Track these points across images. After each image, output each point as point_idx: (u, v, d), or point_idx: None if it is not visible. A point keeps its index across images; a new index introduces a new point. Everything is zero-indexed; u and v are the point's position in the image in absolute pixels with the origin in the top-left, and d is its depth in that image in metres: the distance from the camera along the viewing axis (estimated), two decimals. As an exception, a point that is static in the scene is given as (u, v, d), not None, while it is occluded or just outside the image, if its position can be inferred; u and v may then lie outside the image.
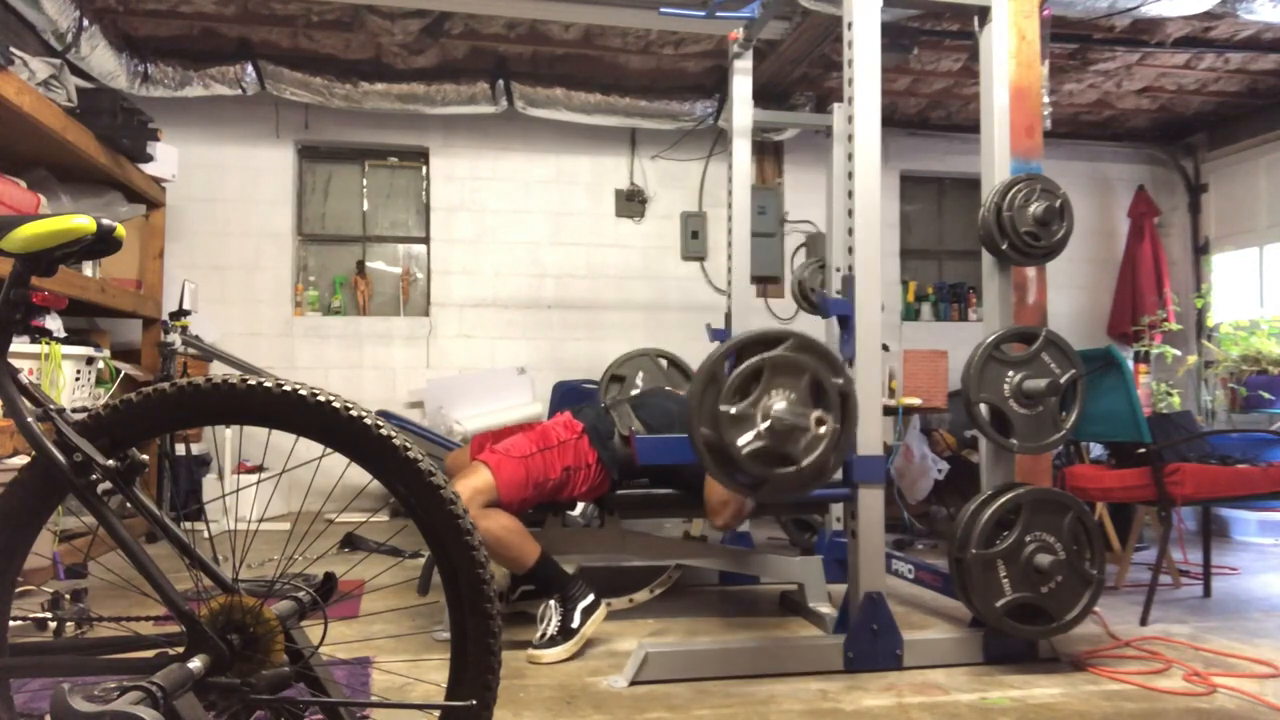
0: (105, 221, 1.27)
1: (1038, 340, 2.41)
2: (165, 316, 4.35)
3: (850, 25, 2.42)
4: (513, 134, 5.55)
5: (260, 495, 4.32)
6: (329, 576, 1.32)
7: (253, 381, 1.24)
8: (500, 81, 5.00)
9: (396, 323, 5.47)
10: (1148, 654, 2.50)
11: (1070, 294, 6.20)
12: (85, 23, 4.04)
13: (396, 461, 1.25)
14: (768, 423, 1.97)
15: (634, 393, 3.52)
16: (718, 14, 3.48)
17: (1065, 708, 2.08)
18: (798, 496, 2.14)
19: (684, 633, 2.74)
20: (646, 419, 2.75)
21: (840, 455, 2.05)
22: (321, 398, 1.24)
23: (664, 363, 3.70)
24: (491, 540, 2.41)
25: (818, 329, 4.23)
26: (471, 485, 2.47)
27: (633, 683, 2.22)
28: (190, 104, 5.00)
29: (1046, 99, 3.03)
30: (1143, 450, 2.96)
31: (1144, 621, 2.86)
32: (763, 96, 4.82)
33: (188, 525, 4.15)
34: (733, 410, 1.96)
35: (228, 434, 4.62)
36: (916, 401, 4.15)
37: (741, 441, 1.96)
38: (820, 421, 2.00)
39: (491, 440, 2.70)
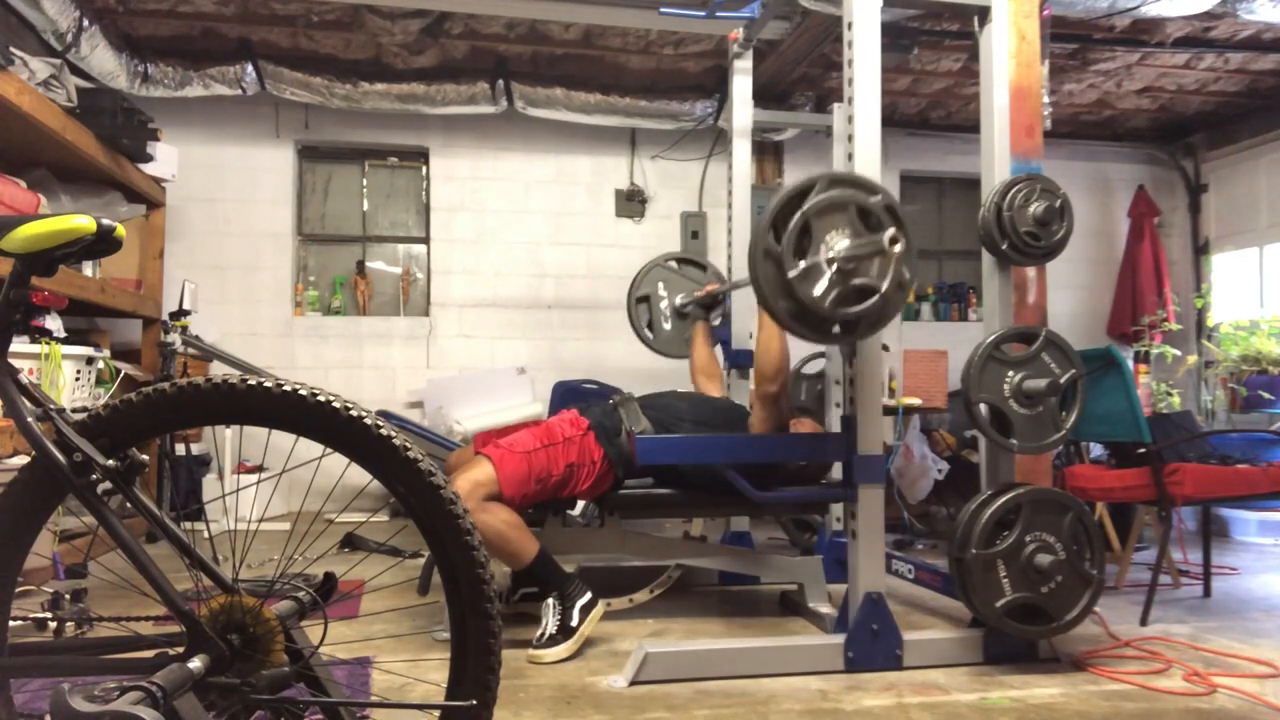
0: (105, 221, 1.27)
1: (1038, 340, 2.41)
2: (165, 316, 4.35)
3: (850, 25, 2.42)
4: (513, 134, 5.55)
5: (260, 495, 4.32)
6: (329, 576, 1.32)
7: (253, 381, 1.24)
8: (500, 81, 5.00)
9: (396, 323, 5.47)
10: (1148, 654, 2.50)
11: (1070, 294, 6.20)
12: (85, 23, 4.04)
13: (396, 461, 1.24)
14: (834, 266, 1.98)
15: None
16: (718, 14, 3.48)
17: (1065, 708, 2.08)
18: (888, 322, 2.17)
19: (684, 633, 2.74)
20: (656, 417, 2.75)
21: (912, 266, 2.06)
22: (321, 398, 1.24)
23: (675, 265, 3.73)
24: (490, 535, 2.40)
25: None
26: (472, 478, 2.47)
27: (633, 683, 2.22)
28: (190, 104, 5.00)
29: (1046, 99, 3.03)
30: (1143, 450, 2.95)
31: (1144, 621, 2.86)
32: (763, 96, 4.82)
33: (188, 525, 4.15)
34: (800, 268, 1.97)
35: (228, 434, 4.62)
36: (916, 401, 4.14)
37: (818, 292, 1.97)
38: (894, 240, 2.00)
39: (496, 437, 2.70)
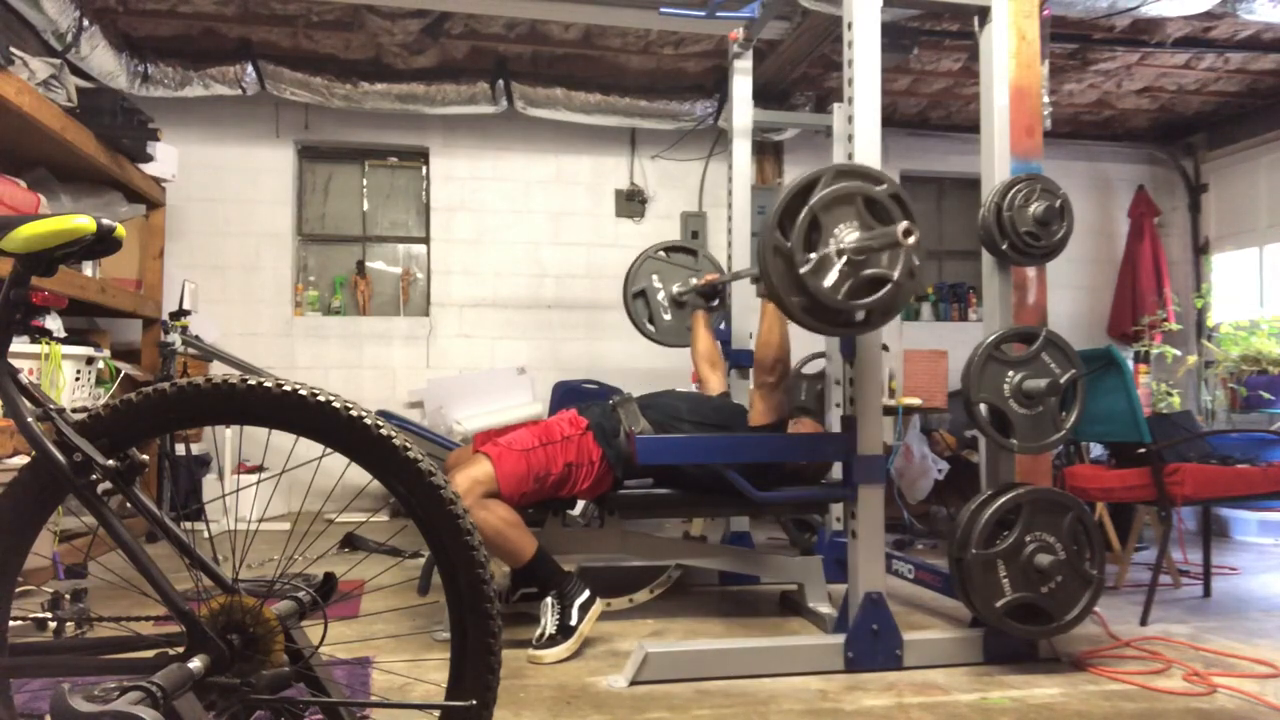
0: (105, 221, 1.27)
1: (1038, 340, 2.41)
2: (165, 316, 4.34)
3: (850, 25, 2.42)
4: (513, 134, 5.55)
5: (260, 495, 4.32)
6: (329, 576, 1.32)
7: (253, 381, 1.24)
8: (500, 81, 5.00)
9: (396, 323, 5.47)
10: (1148, 654, 2.50)
11: (1070, 294, 6.20)
12: (85, 23, 4.04)
13: (396, 461, 1.24)
14: (845, 258, 1.99)
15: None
16: (718, 14, 3.48)
17: (1065, 708, 2.08)
18: (901, 310, 2.19)
19: (684, 633, 2.74)
20: (655, 418, 2.75)
21: (922, 252, 2.07)
22: (321, 398, 1.24)
23: (664, 254, 3.72)
24: (488, 532, 2.41)
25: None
26: (471, 476, 2.47)
27: (633, 683, 2.22)
28: (190, 104, 5.00)
29: (1046, 99, 3.03)
30: (1143, 450, 2.95)
31: (1144, 621, 2.86)
32: (763, 96, 4.82)
33: (188, 525, 4.15)
34: (811, 262, 1.97)
35: (228, 434, 4.62)
36: (916, 401, 4.14)
37: (829, 284, 1.97)
38: (909, 233, 2.00)
39: (495, 436, 2.70)
